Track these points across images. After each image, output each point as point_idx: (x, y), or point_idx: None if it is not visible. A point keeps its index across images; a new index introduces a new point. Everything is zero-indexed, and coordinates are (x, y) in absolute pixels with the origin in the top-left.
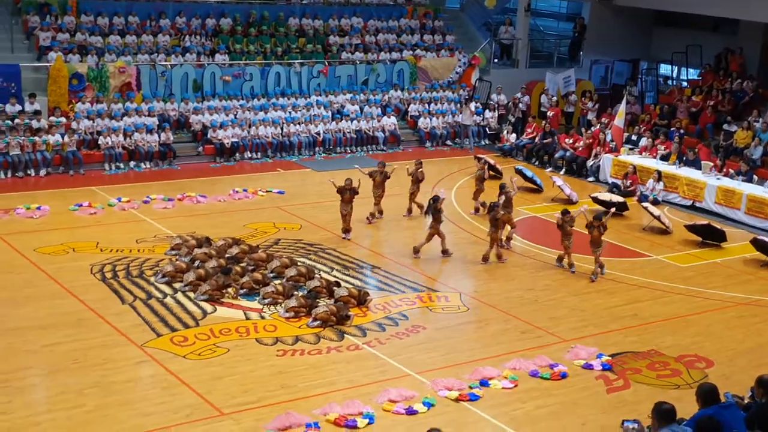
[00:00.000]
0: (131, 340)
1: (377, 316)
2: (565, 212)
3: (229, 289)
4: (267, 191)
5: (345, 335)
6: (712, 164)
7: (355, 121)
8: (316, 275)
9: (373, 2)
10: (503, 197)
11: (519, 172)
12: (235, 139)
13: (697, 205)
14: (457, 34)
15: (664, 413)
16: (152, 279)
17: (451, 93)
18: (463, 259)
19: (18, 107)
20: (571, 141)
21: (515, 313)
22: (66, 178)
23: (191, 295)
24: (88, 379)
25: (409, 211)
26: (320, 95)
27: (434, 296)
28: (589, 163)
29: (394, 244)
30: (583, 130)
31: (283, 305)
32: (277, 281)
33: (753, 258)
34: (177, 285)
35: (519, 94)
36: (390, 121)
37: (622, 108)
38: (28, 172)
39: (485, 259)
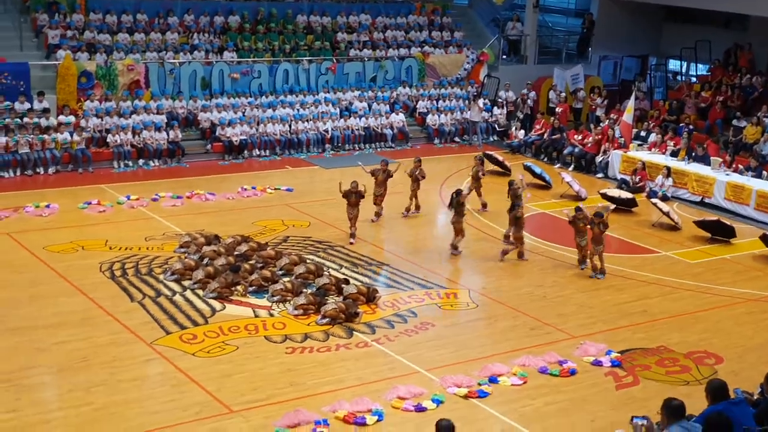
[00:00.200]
0: (140, 338)
1: (386, 313)
2: (578, 209)
3: (238, 287)
4: (275, 189)
5: (354, 332)
6: (721, 160)
7: (363, 118)
8: (325, 272)
9: None
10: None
11: (528, 168)
12: (244, 137)
13: (707, 201)
14: (466, 31)
15: (673, 409)
16: (161, 277)
17: (460, 90)
18: (472, 256)
19: (27, 105)
20: (579, 137)
21: (524, 309)
22: (75, 176)
23: (200, 292)
24: (96, 377)
25: (407, 210)
26: (328, 92)
27: (443, 293)
28: (598, 159)
29: (402, 242)
30: (591, 126)
31: (292, 302)
32: (286, 279)
33: (762, 254)
34: (186, 283)
35: (525, 90)
36: (398, 118)
37: (631, 104)
38: (37, 170)
39: (520, 255)
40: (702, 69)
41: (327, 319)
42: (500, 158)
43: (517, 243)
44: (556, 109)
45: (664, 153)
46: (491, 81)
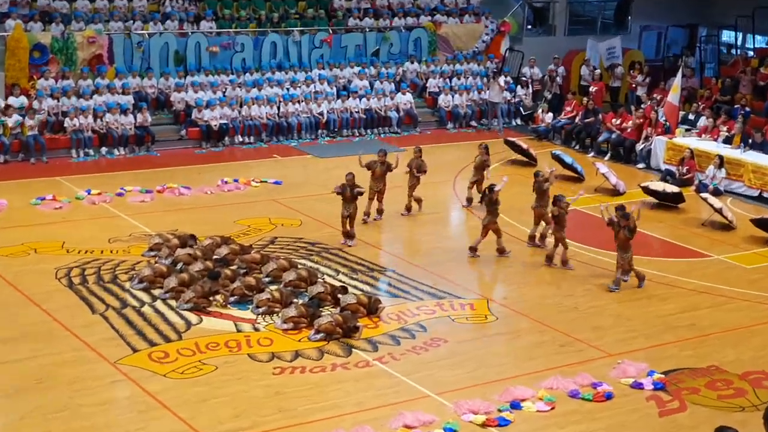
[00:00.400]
0: (103, 357)
1: (390, 327)
2: (620, 208)
3: (218, 297)
4: (261, 181)
5: (353, 350)
6: None
7: (364, 99)
8: (319, 280)
9: None
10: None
11: (556, 157)
12: (224, 121)
13: (766, 195)
14: None
15: None
16: (127, 285)
17: (477, 65)
18: (491, 260)
19: None
20: (618, 121)
21: (552, 322)
22: (26, 166)
23: (173, 303)
24: (53, 401)
25: (408, 209)
26: (323, 69)
27: (457, 304)
28: (639, 146)
29: (410, 243)
30: (632, 108)
31: (280, 315)
32: (274, 287)
33: None
34: (156, 292)
35: (553, 66)
36: (405, 99)
37: (677, 82)
38: None
39: (561, 262)
40: (761, 41)
41: (321, 335)
42: (524, 146)
43: (557, 243)
44: (590, 89)
45: (715, 139)
46: (514, 55)
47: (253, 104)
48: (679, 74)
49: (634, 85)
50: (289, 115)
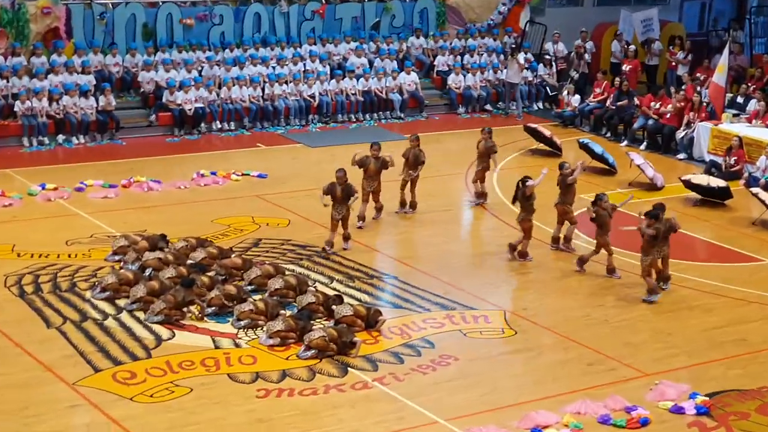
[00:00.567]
0: (60, 377)
1: (393, 342)
2: (659, 209)
3: (192, 308)
4: (243, 174)
5: (349, 369)
6: None
7: (361, 80)
8: (310, 288)
9: None
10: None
11: (584, 147)
12: (200, 105)
13: None
14: None
15: None
16: (88, 294)
17: (493, 41)
18: (509, 266)
19: None
20: (657, 106)
21: (578, 337)
22: None
23: (141, 315)
24: (2, 430)
25: (402, 204)
26: (315, 44)
27: (469, 316)
28: (679, 134)
29: (414, 246)
30: (671, 89)
31: (265, 329)
32: (257, 296)
33: None
34: (121, 302)
35: (580, 42)
36: (409, 79)
37: (723, 60)
38: None
39: (607, 270)
40: None
41: (312, 351)
42: (547, 133)
43: (599, 248)
44: (623, 67)
45: None
46: (535, 29)
47: (234, 85)
48: (726, 51)
49: (673, 64)
50: (275, 98)
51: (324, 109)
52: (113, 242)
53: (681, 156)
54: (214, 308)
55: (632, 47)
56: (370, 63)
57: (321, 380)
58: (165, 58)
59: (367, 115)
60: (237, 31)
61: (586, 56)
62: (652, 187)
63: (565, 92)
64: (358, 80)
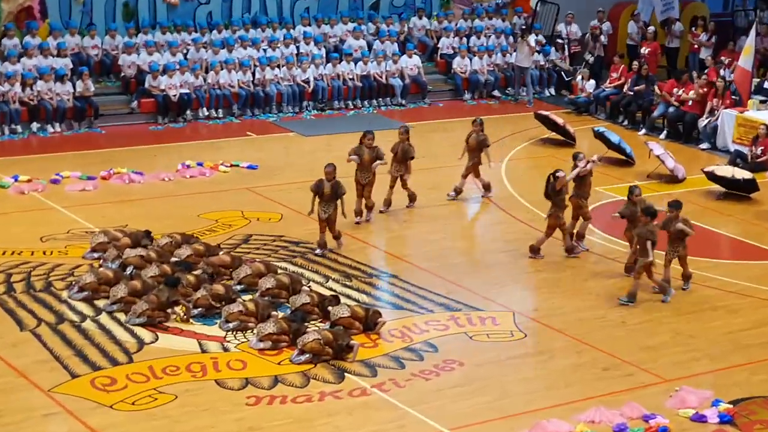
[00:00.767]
0: (34, 384)
1: (393, 346)
2: (674, 206)
3: (177, 309)
4: (232, 165)
5: (346, 374)
6: None
7: (360, 63)
8: (304, 288)
9: None
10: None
11: (600, 136)
12: (186, 90)
13: None
14: None
15: None
16: (64, 294)
17: (501, 21)
18: (518, 264)
19: None
20: (679, 92)
21: (592, 340)
22: None
23: (121, 317)
24: None
25: (387, 204)
26: (309, 25)
27: (476, 317)
28: (702, 122)
29: (417, 242)
30: (693, 74)
31: (255, 331)
32: (248, 297)
33: None
34: (101, 303)
35: (596, 22)
36: (411, 63)
37: (750, 42)
38: None
39: (628, 269)
40: None
41: (307, 356)
42: (560, 121)
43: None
44: (641, 50)
45: None
46: (547, 9)
47: (222, 69)
48: (753, 32)
49: (696, 46)
50: (266, 83)
51: (319, 95)
52: (92, 238)
53: (704, 146)
54: (200, 309)
55: (651, 28)
56: (369, 45)
57: (316, 386)
58: (147, 40)
59: (366, 102)
60: (225, 10)
61: (602, 38)
62: (672, 179)
63: (579, 77)
64: (356, 64)
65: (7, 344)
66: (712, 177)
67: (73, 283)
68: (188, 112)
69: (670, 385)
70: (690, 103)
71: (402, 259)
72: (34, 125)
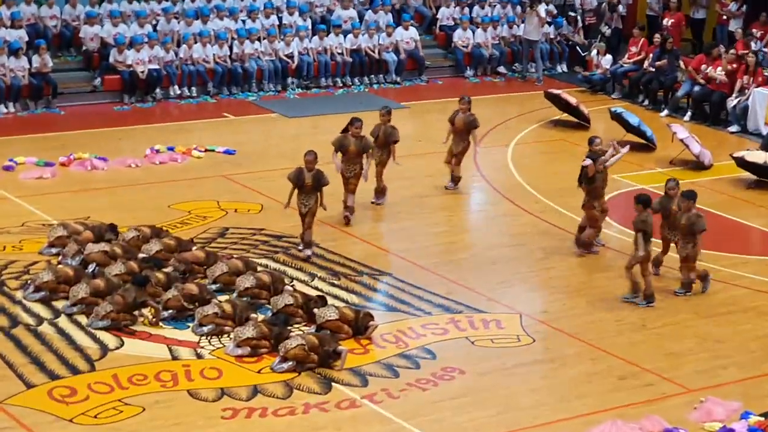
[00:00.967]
0: None
1: (386, 352)
2: (688, 197)
3: (145, 311)
4: (207, 150)
5: (333, 384)
6: None
7: (350, 36)
8: (287, 287)
9: None
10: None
11: (618, 117)
12: (155, 66)
13: None
14: None
15: None
16: (18, 295)
17: None
18: (527, 259)
19: None
20: (708, 69)
21: (608, 346)
22: None
23: (83, 320)
24: None
25: (382, 191)
26: None
27: (478, 320)
28: (731, 102)
29: (413, 237)
30: (721, 48)
31: (232, 336)
32: (224, 297)
33: None
34: (60, 304)
35: None
36: (407, 35)
37: None
38: None
39: (656, 264)
40: None
41: (290, 363)
42: (573, 101)
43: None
44: (663, 21)
45: None
46: None
47: (196, 43)
48: None
49: (724, 17)
50: (245, 58)
51: (304, 71)
52: (49, 232)
53: (733, 128)
54: (171, 311)
55: None
56: (360, 16)
57: (299, 397)
58: (112, 10)
59: (357, 79)
60: None
61: (620, 8)
62: (698, 165)
63: (595, 52)
64: (345, 37)
65: None
66: (741, 163)
67: (29, 282)
68: (158, 90)
69: (695, 395)
70: (718, 81)
71: (396, 255)
72: None
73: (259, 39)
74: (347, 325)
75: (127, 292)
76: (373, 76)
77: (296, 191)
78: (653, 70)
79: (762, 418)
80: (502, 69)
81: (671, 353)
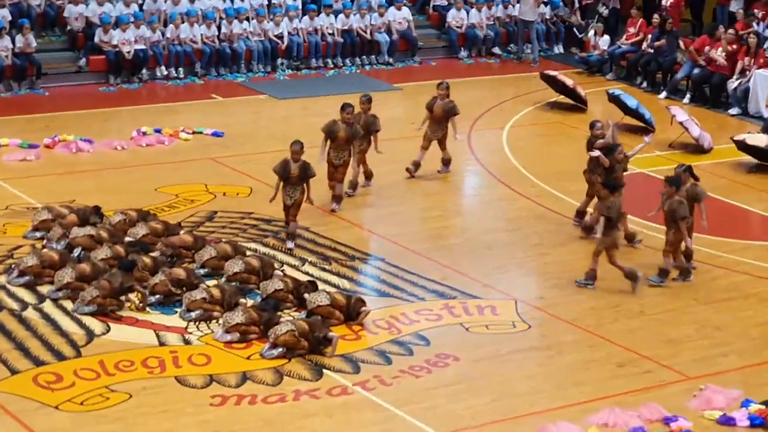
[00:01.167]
0: None
1: (379, 338)
2: (671, 182)
3: (132, 296)
4: (194, 132)
5: (324, 371)
6: None
7: (341, 16)
8: (277, 272)
9: None
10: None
11: (615, 99)
12: (141, 46)
13: None
14: None
15: None
16: (3, 279)
17: None
18: (522, 243)
19: None
20: (710, 50)
21: (606, 332)
22: None
23: (68, 305)
24: None
25: (368, 178)
26: None
27: (473, 306)
28: (732, 84)
29: (406, 222)
30: (721, 28)
31: (221, 322)
32: (212, 282)
33: None
34: (44, 289)
35: None
36: (400, 15)
37: None
38: None
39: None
40: None
41: (280, 349)
42: (569, 82)
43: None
44: (662, 1)
45: None
46: None
47: (183, 22)
48: None
49: None
50: (234, 39)
51: (294, 52)
52: (34, 215)
53: (733, 111)
54: (158, 296)
55: None
56: None
57: (290, 384)
58: None
59: (348, 60)
60: None
61: None
62: (698, 149)
63: (592, 32)
64: (336, 17)
65: None
66: (742, 147)
67: (13, 266)
68: (144, 71)
69: (694, 383)
70: (718, 62)
71: (389, 240)
72: None
73: (247, 19)
74: (339, 311)
75: (114, 276)
76: (364, 57)
77: (283, 183)
78: (652, 51)
79: (763, 407)
80: (497, 50)
81: (670, 340)
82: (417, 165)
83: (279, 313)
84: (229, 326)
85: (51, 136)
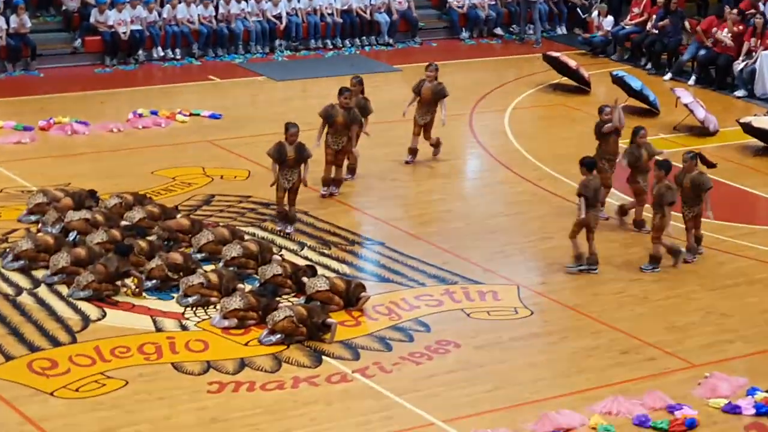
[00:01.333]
0: None
1: (378, 325)
2: (661, 166)
3: (128, 281)
4: (191, 114)
5: (323, 358)
6: None
7: None
8: (276, 257)
9: None
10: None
11: (619, 81)
12: (137, 27)
13: None
14: None
15: None
16: None
17: None
18: (524, 228)
19: None
20: (716, 31)
21: (609, 319)
22: None
23: (64, 290)
24: None
25: (353, 170)
26: None
27: (474, 292)
28: (738, 65)
29: (407, 206)
30: (726, 8)
31: (219, 307)
32: (209, 267)
33: None
34: (39, 273)
35: None
36: None
37: None
38: None
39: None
40: None
41: (278, 336)
42: (573, 64)
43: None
44: None
45: None
46: None
47: (180, 2)
48: None
49: None
50: (231, 19)
51: (293, 32)
52: (28, 199)
53: (739, 93)
54: (154, 281)
55: None
56: None
57: (288, 371)
58: None
59: (347, 41)
60: None
61: None
62: (703, 131)
63: (596, 13)
64: None
65: None
66: (748, 129)
67: (7, 250)
68: (140, 52)
69: (699, 371)
70: (723, 43)
71: (389, 224)
72: None
73: None
74: (338, 297)
75: (110, 261)
76: (364, 37)
77: (279, 167)
78: (656, 32)
79: None
80: (498, 31)
81: (675, 327)
82: (414, 152)
83: (277, 298)
84: (226, 312)
85: (46, 119)
